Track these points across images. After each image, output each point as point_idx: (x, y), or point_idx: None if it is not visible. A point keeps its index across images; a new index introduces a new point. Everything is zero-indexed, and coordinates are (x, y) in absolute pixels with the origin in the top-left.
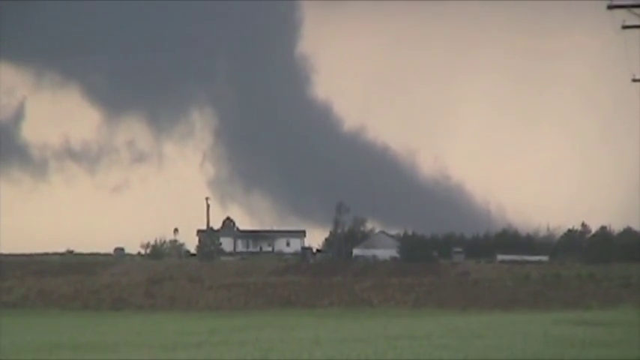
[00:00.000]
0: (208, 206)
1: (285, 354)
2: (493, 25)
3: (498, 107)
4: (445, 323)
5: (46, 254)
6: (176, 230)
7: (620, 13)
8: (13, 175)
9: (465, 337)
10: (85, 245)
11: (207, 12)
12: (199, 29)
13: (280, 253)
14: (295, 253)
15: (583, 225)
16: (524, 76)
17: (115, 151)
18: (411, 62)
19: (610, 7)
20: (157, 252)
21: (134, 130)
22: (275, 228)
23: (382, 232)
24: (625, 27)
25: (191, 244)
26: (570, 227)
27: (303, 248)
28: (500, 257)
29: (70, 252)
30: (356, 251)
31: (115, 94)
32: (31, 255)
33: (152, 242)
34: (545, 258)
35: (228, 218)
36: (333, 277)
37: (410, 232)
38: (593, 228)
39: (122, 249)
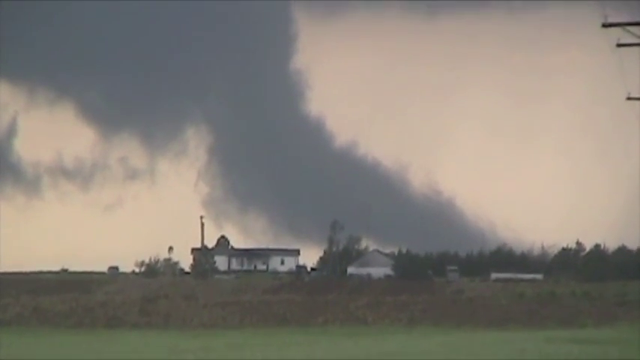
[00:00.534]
0: (203, 225)
1: None
2: (488, 42)
3: (492, 124)
4: (440, 341)
5: (41, 272)
6: (171, 249)
7: (615, 31)
8: (6, 191)
9: (460, 355)
10: (79, 263)
11: (201, 29)
12: (193, 46)
13: (275, 272)
14: (290, 272)
15: (577, 243)
16: (518, 93)
17: (108, 168)
18: (404, 79)
19: (605, 25)
20: (152, 270)
21: (128, 148)
22: (269, 246)
23: (376, 250)
24: (620, 45)
25: (185, 262)
26: (565, 245)
27: (298, 266)
28: (494, 275)
29: (65, 270)
30: (350, 269)
31: (109, 112)
32: (26, 273)
33: (146, 260)
34: (539, 276)
35: (222, 237)
36: (327, 295)
37: (404, 251)
38: (588, 246)
39: (116, 267)
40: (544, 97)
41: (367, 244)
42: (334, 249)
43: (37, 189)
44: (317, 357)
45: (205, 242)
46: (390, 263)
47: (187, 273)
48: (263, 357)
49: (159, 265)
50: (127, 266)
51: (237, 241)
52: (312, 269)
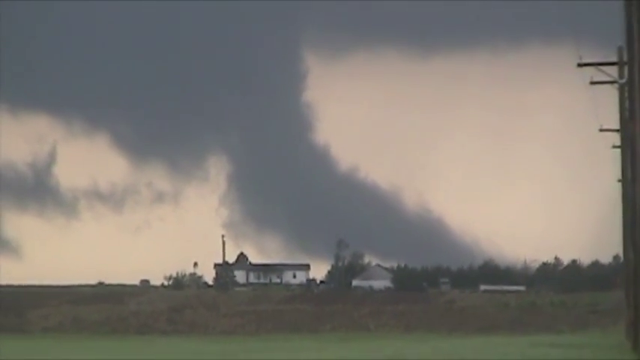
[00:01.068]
0: (224, 242)
1: None
2: (473, 83)
3: (477, 157)
4: (434, 346)
5: (80, 285)
6: (195, 264)
7: (588, 70)
8: (47, 213)
9: (452, 358)
10: (113, 277)
11: (221, 69)
12: (214, 84)
13: (288, 284)
14: (301, 284)
15: (556, 258)
16: (500, 128)
17: (138, 193)
18: (399, 113)
19: (580, 65)
20: (178, 283)
21: (156, 175)
22: (283, 262)
23: (378, 265)
24: (593, 83)
25: (208, 276)
26: (544, 260)
27: (308, 280)
28: (482, 287)
29: (101, 283)
30: (355, 282)
31: (140, 142)
32: (66, 286)
33: (174, 275)
34: (522, 288)
35: (241, 253)
36: (334, 306)
37: (402, 265)
38: (565, 261)
39: (147, 280)
40: (524, 132)
41: (369, 259)
42: (340, 264)
43: (75, 211)
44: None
45: (226, 258)
46: (389, 276)
47: (210, 286)
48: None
49: (185, 278)
50: (157, 279)
51: (255, 257)
52: (321, 282)
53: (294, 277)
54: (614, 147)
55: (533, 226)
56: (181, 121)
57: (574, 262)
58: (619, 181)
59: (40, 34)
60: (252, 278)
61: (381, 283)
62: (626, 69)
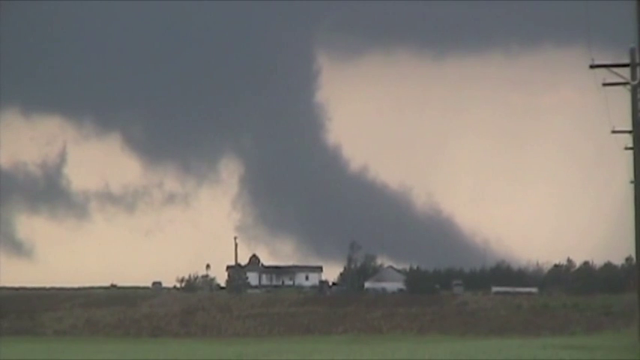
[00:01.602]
0: (236, 245)
1: None
2: (485, 84)
3: (489, 158)
4: (446, 348)
5: (92, 288)
6: (208, 266)
7: (601, 72)
8: (59, 214)
9: None
10: (126, 279)
11: (232, 71)
12: (226, 86)
13: (300, 287)
14: (313, 286)
15: (568, 260)
16: (512, 130)
17: (150, 194)
18: (410, 113)
19: (592, 67)
20: (191, 285)
21: (168, 176)
22: (295, 264)
23: (390, 267)
24: (605, 84)
25: (221, 278)
26: (557, 262)
27: (321, 282)
28: (494, 289)
29: (114, 286)
30: (367, 284)
31: (151, 144)
32: (78, 288)
33: (186, 277)
34: (534, 289)
35: (254, 255)
36: (347, 308)
37: (415, 267)
38: (577, 263)
39: (160, 283)
40: (537, 133)
41: (382, 261)
42: (353, 266)
43: (86, 212)
44: None
45: (239, 260)
46: (402, 278)
47: (223, 288)
48: None
49: (197, 280)
50: (169, 282)
51: (267, 260)
52: (333, 284)
53: (307, 279)
54: (627, 148)
55: (545, 228)
56: (193, 123)
57: (586, 263)
58: (631, 182)
59: (51, 35)
60: (265, 280)
61: (393, 285)
62: (638, 70)
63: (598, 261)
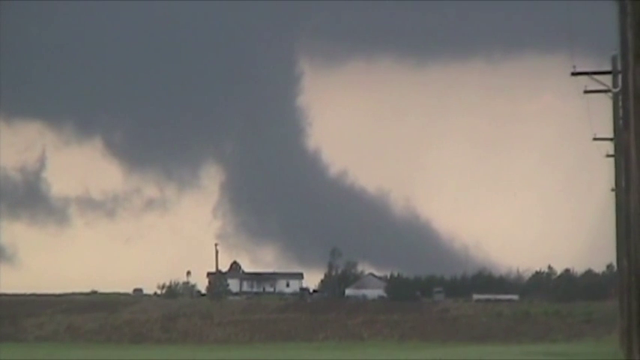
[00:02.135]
0: (217, 251)
1: None
2: (467, 91)
3: (471, 165)
4: (427, 355)
5: (73, 294)
6: (189, 273)
7: (582, 79)
8: (39, 220)
9: None
10: (107, 285)
11: (214, 75)
12: (208, 91)
13: (281, 293)
14: (294, 293)
15: (549, 267)
16: (494, 137)
17: (131, 200)
18: (393, 122)
19: (574, 74)
20: (172, 292)
21: (149, 182)
22: (276, 271)
23: (371, 274)
24: (587, 92)
25: (202, 285)
26: (538, 269)
27: (301, 289)
28: (475, 296)
29: (94, 292)
30: (348, 291)
31: (132, 150)
32: (59, 295)
33: (167, 283)
34: (515, 297)
35: (234, 262)
36: (328, 314)
37: (396, 274)
38: (559, 270)
39: (140, 289)
40: (517, 140)
41: (363, 268)
42: (334, 273)
43: (67, 218)
44: None
45: (219, 267)
46: (383, 285)
47: (203, 294)
48: None
49: (178, 287)
50: (150, 288)
51: (248, 266)
52: (314, 291)
53: (288, 285)
54: (608, 156)
55: (527, 235)
56: (174, 128)
57: (567, 271)
58: (613, 190)
59: (31, 39)
60: (246, 287)
61: (374, 292)
62: (619, 78)
63: (579, 268)
